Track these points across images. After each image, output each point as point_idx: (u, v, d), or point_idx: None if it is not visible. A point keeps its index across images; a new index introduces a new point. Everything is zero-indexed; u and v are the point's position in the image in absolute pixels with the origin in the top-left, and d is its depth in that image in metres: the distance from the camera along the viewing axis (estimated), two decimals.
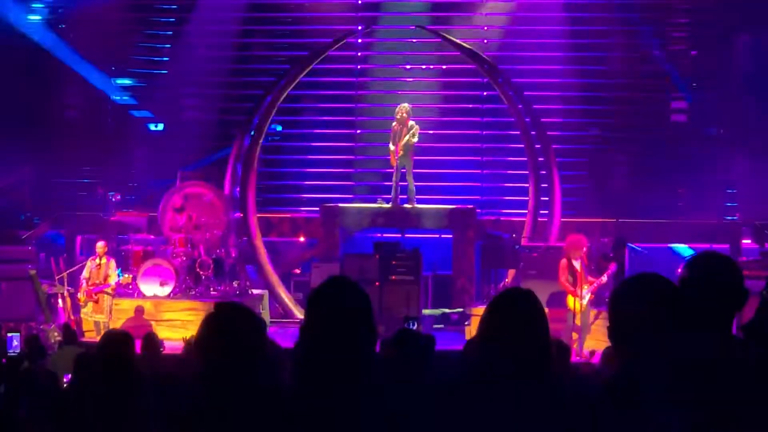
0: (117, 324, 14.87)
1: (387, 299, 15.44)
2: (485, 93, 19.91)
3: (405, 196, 17.19)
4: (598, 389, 3.60)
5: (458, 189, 19.51)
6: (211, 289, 16.71)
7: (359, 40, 20.32)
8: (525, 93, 18.28)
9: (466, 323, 15.99)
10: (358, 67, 20.56)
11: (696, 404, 3.24)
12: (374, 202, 17.82)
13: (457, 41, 18.45)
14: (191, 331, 12.20)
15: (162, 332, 14.38)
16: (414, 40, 20.02)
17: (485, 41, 19.87)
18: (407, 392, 3.46)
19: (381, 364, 3.47)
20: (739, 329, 4.14)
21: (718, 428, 3.24)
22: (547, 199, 17.93)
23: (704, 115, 20.09)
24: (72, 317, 15.61)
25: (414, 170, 17.15)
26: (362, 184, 20.01)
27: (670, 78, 19.73)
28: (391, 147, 16.86)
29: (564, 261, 14.46)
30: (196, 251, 17.04)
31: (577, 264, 14.37)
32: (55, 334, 14.67)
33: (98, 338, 9.93)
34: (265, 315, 16.79)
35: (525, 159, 18.29)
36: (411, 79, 20.16)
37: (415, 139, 16.82)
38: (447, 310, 16.95)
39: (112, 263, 15.88)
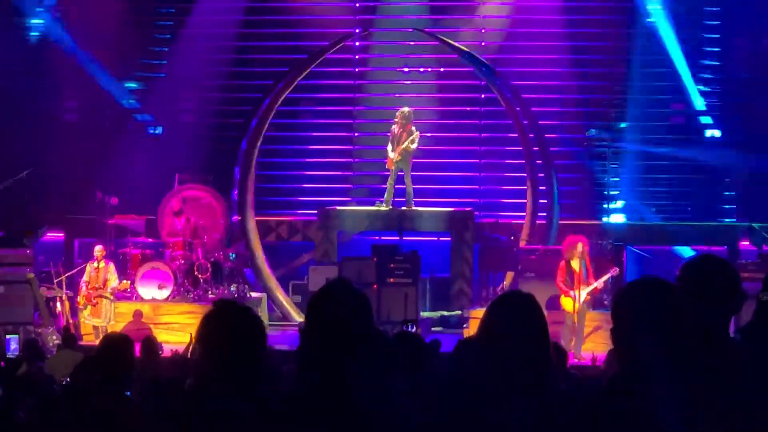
0: (117, 328, 14.89)
1: (385, 302, 15.44)
2: (483, 95, 19.91)
3: (403, 199, 17.19)
4: (599, 391, 3.60)
5: (456, 191, 19.52)
6: (210, 292, 16.69)
7: (357, 43, 20.33)
8: (523, 95, 18.28)
9: (464, 326, 15.98)
10: (356, 69, 20.57)
11: (695, 406, 3.25)
12: (372, 204, 17.82)
13: (455, 44, 18.45)
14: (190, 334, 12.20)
15: (160, 335, 14.41)
16: (412, 43, 20.03)
17: (483, 43, 19.88)
18: (407, 393, 3.46)
19: (381, 366, 3.45)
20: (737, 332, 4.14)
21: (716, 429, 3.24)
22: (545, 201, 17.93)
23: (704, 116, 20.09)
24: (70, 320, 15.61)
25: (412, 173, 17.16)
26: (360, 187, 20.01)
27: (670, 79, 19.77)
28: (389, 150, 16.86)
29: (562, 262, 14.50)
30: (194, 254, 17.04)
31: (575, 266, 14.38)
32: (54, 337, 14.68)
33: (97, 342, 9.94)
34: (264, 318, 16.80)
35: (523, 161, 18.29)
36: (409, 82, 20.16)
37: (414, 146, 16.81)
38: (445, 313, 16.95)
39: (111, 266, 15.89)
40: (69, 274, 16.33)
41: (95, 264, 15.77)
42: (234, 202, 18.19)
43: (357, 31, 19.86)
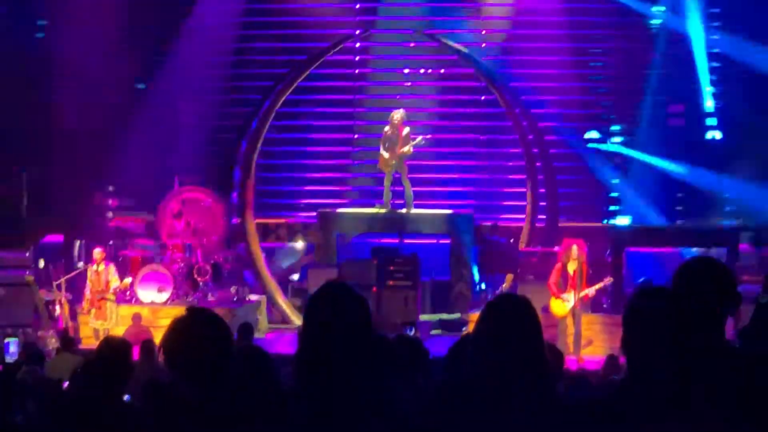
0: (119, 331, 14.84)
1: (385, 305, 15.42)
2: (483, 97, 19.92)
3: (402, 201, 17.16)
4: (601, 395, 3.60)
5: (456, 194, 19.50)
6: (209, 295, 16.65)
7: (357, 45, 20.33)
8: (523, 97, 18.28)
9: (463, 329, 15.96)
10: (356, 71, 20.58)
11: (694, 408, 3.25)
12: (372, 207, 17.80)
13: (455, 45, 18.44)
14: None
15: (159, 339, 14.34)
16: (412, 45, 20.03)
17: (483, 45, 19.88)
18: (407, 395, 3.46)
19: (379, 367, 3.45)
20: (736, 334, 4.14)
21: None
22: (545, 204, 17.92)
23: (703, 118, 20.10)
24: (69, 323, 15.58)
25: (412, 175, 17.15)
26: (360, 189, 20.00)
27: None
28: (382, 151, 16.81)
29: (558, 264, 14.46)
30: (193, 257, 17.02)
31: (570, 269, 14.30)
32: (53, 340, 14.65)
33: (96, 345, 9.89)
34: (263, 321, 16.78)
35: (523, 163, 18.28)
36: (409, 84, 20.17)
37: (409, 150, 16.72)
38: (445, 316, 16.93)
39: (111, 268, 15.86)
40: (68, 276, 16.31)
41: (95, 267, 15.75)
42: (234, 204, 18.18)
43: (357, 32, 19.86)
